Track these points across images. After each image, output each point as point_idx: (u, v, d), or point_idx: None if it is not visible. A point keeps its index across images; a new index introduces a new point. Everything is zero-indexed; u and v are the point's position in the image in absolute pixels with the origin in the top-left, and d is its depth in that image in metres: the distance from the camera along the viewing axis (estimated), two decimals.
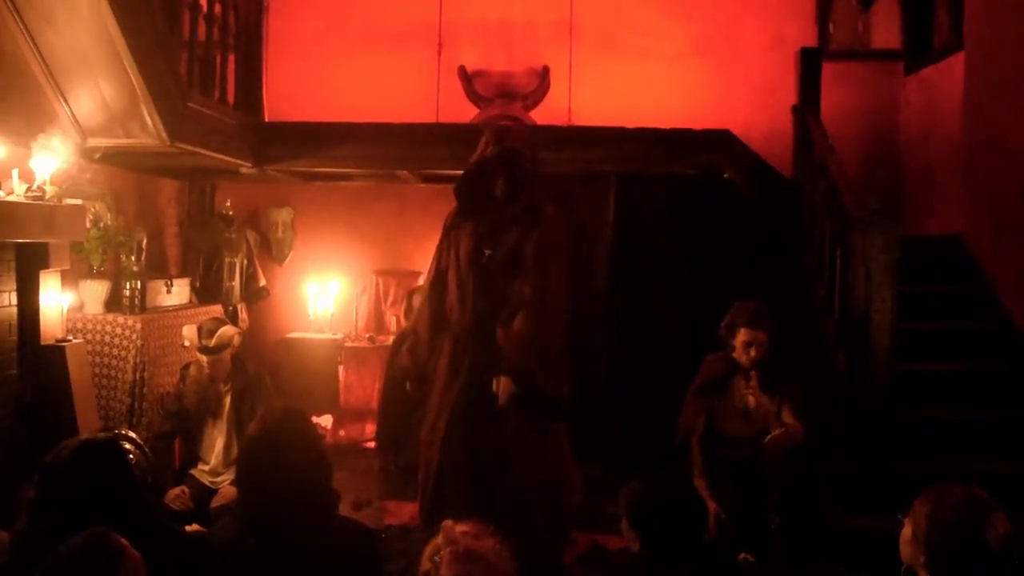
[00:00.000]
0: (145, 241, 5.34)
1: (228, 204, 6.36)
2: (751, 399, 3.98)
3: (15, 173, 3.81)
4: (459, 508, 2.01)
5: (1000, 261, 5.02)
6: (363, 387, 6.22)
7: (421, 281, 6.48)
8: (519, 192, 3.64)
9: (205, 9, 5.14)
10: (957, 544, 1.98)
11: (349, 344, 6.39)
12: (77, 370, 4.17)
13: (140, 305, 4.94)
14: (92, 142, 4.43)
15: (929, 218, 5.88)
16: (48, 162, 3.91)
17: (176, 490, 4.04)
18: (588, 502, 4.23)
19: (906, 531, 2.09)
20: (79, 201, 4.36)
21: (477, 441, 3.53)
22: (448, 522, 1.90)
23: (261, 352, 6.47)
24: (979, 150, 5.30)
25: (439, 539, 1.86)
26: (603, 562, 4.02)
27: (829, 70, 5.57)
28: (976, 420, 4.37)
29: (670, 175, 5.59)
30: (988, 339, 4.79)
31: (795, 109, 5.49)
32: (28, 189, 3.82)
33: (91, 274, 4.93)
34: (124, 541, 1.86)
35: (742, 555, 3.48)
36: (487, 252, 3.62)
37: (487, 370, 3.56)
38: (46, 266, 4.04)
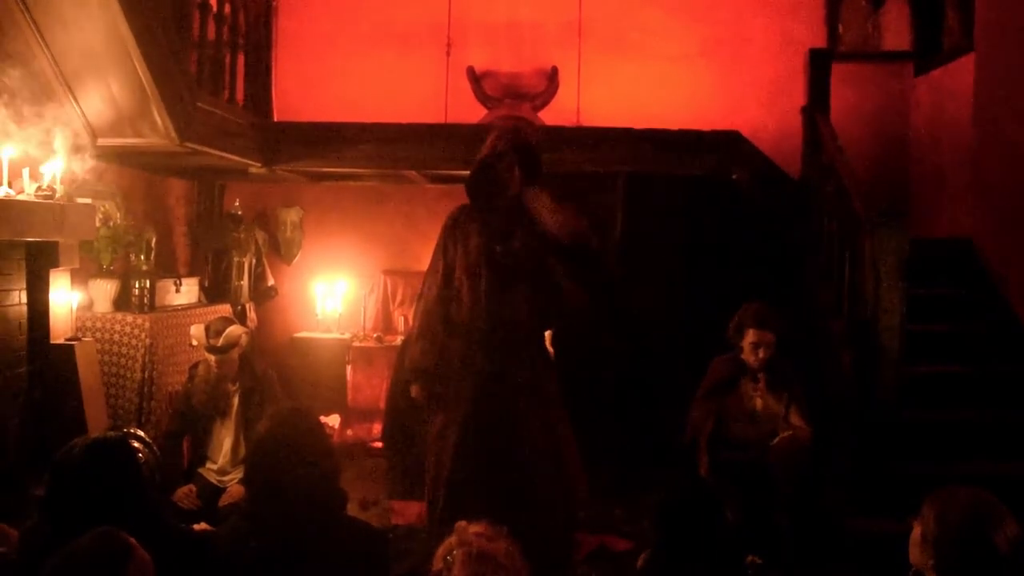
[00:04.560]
0: (154, 240, 5.35)
1: (237, 204, 6.37)
2: (758, 401, 3.97)
3: (25, 172, 3.83)
4: (471, 511, 1.99)
5: (1009, 264, 4.99)
6: (371, 387, 6.22)
7: None
8: (531, 186, 3.63)
9: (215, 9, 5.15)
10: (966, 546, 1.98)
11: (357, 344, 6.39)
12: (86, 369, 4.18)
13: (149, 304, 4.96)
14: (102, 142, 4.45)
15: (938, 220, 5.86)
16: (56, 161, 3.93)
17: (184, 489, 4.06)
18: (594, 504, 4.23)
19: (915, 533, 2.09)
20: (89, 200, 4.38)
21: (490, 444, 3.50)
22: (462, 523, 1.90)
23: (269, 351, 6.49)
24: (989, 152, 5.27)
25: (452, 539, 1.86)
26: (610, 563, 4.03)
27: (838, 71, 5.54)
28: (985, 422, 4.35)
29: (679, 176, 5.58)
30: (997, 342, 4.77)
31: (804, 110, 5.48)
32: (38, 188, 3.84)
33: (100, 273, 4.93)
34: (132, 540, 1.86)
35: (749, 558, 3.47)
36: (498, 248, 3.58)
37: (500, 372, 3.54)
38: (56, 265, 4.06)
